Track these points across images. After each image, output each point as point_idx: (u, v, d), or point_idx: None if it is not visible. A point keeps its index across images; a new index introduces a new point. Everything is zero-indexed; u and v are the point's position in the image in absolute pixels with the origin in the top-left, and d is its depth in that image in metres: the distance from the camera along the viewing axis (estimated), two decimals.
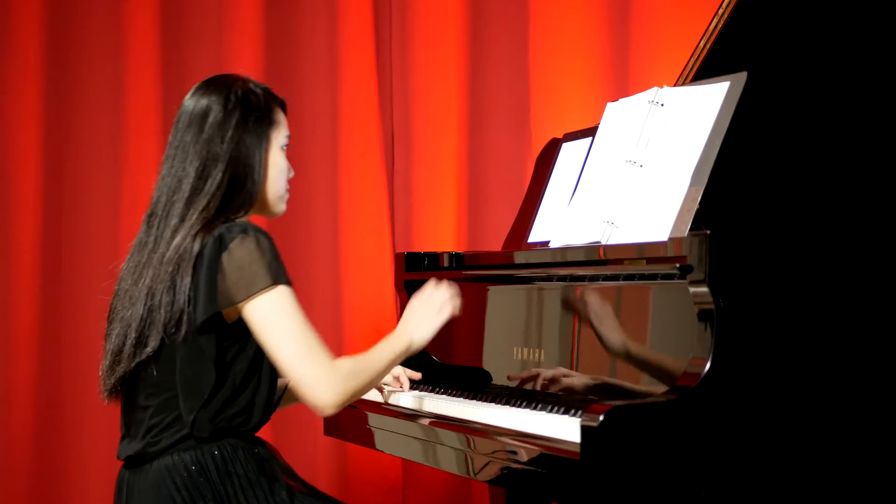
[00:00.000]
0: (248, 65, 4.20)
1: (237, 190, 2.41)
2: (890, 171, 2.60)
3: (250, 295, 2.30)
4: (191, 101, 2.45)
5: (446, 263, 3.03)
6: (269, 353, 2.34)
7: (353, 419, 2.83)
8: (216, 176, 2.39)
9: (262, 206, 2.49)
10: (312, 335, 2.34)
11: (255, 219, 2.54)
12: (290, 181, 2.54)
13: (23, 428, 4.29)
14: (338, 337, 4.16)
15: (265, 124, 2.45)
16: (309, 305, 4.18)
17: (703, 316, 2.11)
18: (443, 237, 4.04)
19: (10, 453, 4.28)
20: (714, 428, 2.08)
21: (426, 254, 3.09)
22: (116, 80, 4.33)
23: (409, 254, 3.11)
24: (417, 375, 2.84)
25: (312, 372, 2.32)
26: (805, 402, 2.15)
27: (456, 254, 3.03)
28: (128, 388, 2.44)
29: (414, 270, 3.08)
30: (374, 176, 4.15)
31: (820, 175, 2.56)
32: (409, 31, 4.16)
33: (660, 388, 2.19)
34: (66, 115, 4.38)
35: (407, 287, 3.09)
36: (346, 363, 2.39)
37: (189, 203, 2.38)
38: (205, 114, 2.42)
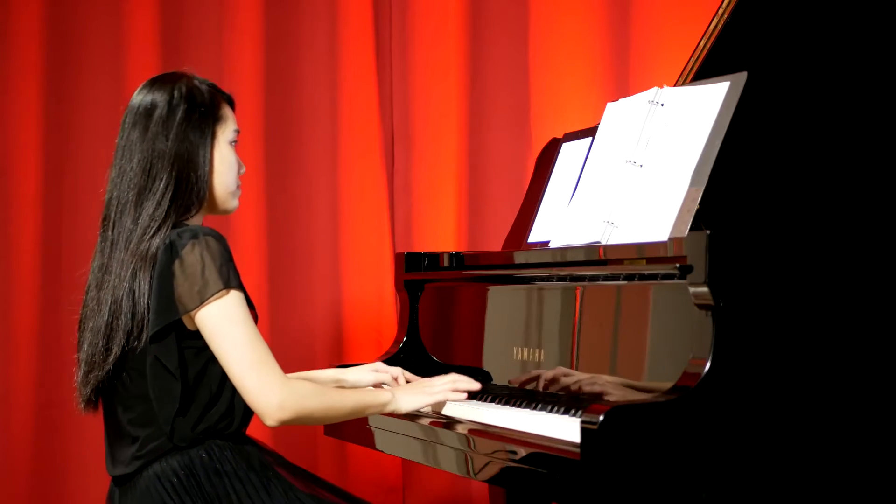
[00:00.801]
0: (248, 65, 4.20)
1: (184, 186, 2.40)
2: (890, 171, 2.60)
3: (203, 301, 2.30)
4: (136, 99, 2.45)
5: (446, 263, 3.03)
6: (219, 358, 2.33)
7: (353, 419, 2.83)
8: (163, 174, 2.39)
9: (212, 203, 2.47)
10: (262, 344, 2.33)
11: (210, 218, 2.53)
12: (242, 177, 2.52)
13: (23, 428, 4.29)
14: (338, 337, 4.16)
15: (210, 120, 2.44)
16: (309, 305, 4.22)
17: (703, 316, 2.11)
18: (443, 237, 4.04)
19: (10, 453, 4.28)
20: (714, 428, 2.07)
21: (426, 254, 3.09)
22: (116, 80, 4.33)
23: (409, 254, 3.11)
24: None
25: (260, 379, 2.30)
26: (805, 401, 2.15)
27: (456, 254, 3.03)
28: (106, 401, 2.44)
29: (414, 270, 3.08)
30: (374, 176, 4.15)
31: (820, 175, 2.56)
32: (409, 31, 4.16)
33: (660, 388, 2.19)
34: (66, 115, 4.38)
35: (407, 287, 3.09)
36: (303, 384, 2.39)
37: (138, 203, 2.38)
38: (149, 112, 2.42)
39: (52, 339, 4.31)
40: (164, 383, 2.33)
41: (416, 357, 3.04)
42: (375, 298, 4.12)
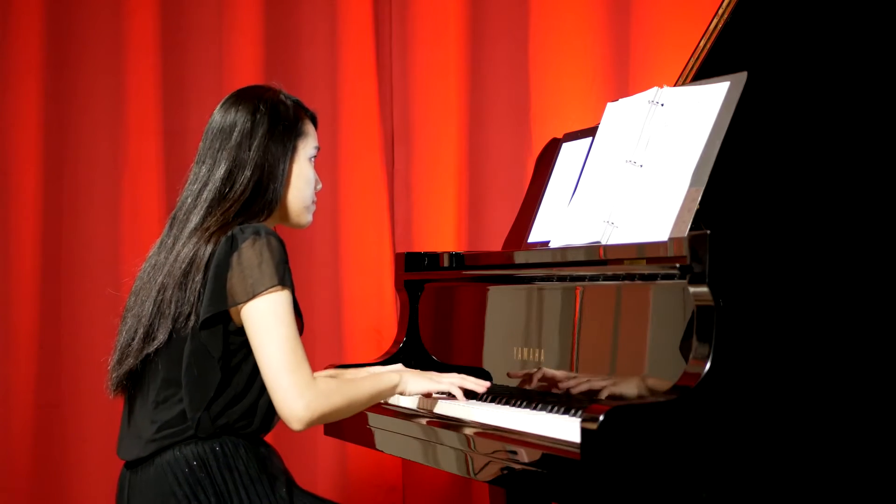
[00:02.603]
0: (248, 64, 4.20)
1: (259, 196, 2.45)
2: (890, 171, 2.60)
3: (254, 294, 2.32)
4: (221, 110, 2.51)
5: (446, 263, 3.03)
6: (256, 353, 2.35)
7: (353, 419, 2.83)
8: (241, 182, 2.44)
9: (285, 215, 2.53)
10: (300, 347, 2.36)
11: (279, 228, 2.56)
12: (316, 193, 2.56)
13: (23, 428, 4.29)
14: (338, 337, 4.16)
15: (293, 135, 2.50)
16: (309, 305, 4.21)
17: (703, 316, 2.11)
18: (443, 237, 4.04)
19: (10, 453, 4.28)
20: (714, 428, 2.07)
21: (426, 254, 3.09)
22: (116, 80, 4.33)
23: (409, 254, 3.11)
24: None
25: (292, 382, 2.32)
26: (805, 401, 2.15)
27: (456, 254, 3.03)
28: (133, 384, 2.46)
29: (414, 270, 3.08)
30: (374, 176, 4.15)
31: (820, 175, 2.56)
32: (409, 31, 4.16)
33: (659, 388, 2.19)
34: (66, 115, 4.38)
35: (407, 287, 3.09)
36: (327, 382, 2.40)
37: (211, 207, 2.43)
38: (234, 123, 2.47)
39: (52, 339, 4.32)
40: (204, 371, 2.36)
41: (417, 357, 3.04)
42: (375, 298, 4.12)
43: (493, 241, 3.89)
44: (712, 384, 2.08)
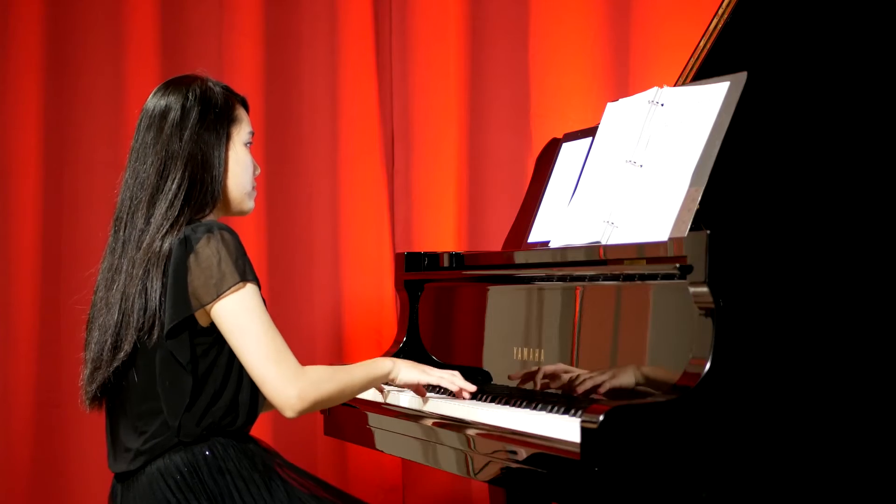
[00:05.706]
0: (248, 65, 4.20)
1: (198, 187, 2.42)
2: (890, 171, 2.60)
3: (219, 294, 2.31)
4: (151, 103, 2.47)
5: (446, 263, 3.03)
6: (236, 351, 2.35)
7: (353, 419, 2.83)
8: (175, 175, 2.40)
9: (227, 204, 2.50)
10: (279, 336, 2.36)
11: (226, 219, 2.54)
12: (258, 178, 2.55)
13: (23, 428, 4.29)
14: (338, 337, 4.16)
15: (225, 122, 2.46)
16: (309, 305, 4.22)
17: (703, 316, 2.11)
18: (443, 237, 4.04)
19: (10, 453, 4.28)
20: (714, 428, 2.08)
21: (426, 254, 3.09)
22: (116, 80, 4.33)
23: (409, 254, 3.11)
24: None
25: (278, 371, 2.32)
26: (805, 401, 2.15)
27: (456, 254, 3.03)
28: (111, 399, 2.44)
29: (414, 270, 3.08)
30: (374, 176, 4.15)
31: (820, 175, 2.56)
32: (409, 31, 4.16)
33: (660, 388, 2.19)
34: (66, 116, 4.38)
35: (407, 287, 3.09)
36: (316, 369, 2.41)
37: (151, 204, 2.40)
38: (163, 114, 2.44)
39: (52, 339, 4.31)
40: (175, 378, 2.34)
41: (416, 357, 3.03)
42: (375, 298, 4.12)
43: (493, 241, 3.89)
44: (712, 384, 2.08)
